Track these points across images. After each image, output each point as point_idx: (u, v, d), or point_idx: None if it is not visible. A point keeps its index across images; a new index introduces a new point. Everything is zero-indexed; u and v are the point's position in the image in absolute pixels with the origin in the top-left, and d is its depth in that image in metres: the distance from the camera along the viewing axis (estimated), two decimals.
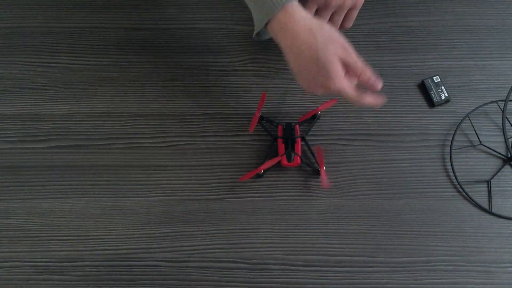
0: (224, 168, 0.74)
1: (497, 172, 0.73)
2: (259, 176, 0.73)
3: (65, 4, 0.83)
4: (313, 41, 0.59)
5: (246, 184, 0.73)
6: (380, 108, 0.75)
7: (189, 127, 0.76)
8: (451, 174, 0.73)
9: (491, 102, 0.76)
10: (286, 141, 0.72)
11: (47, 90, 0.78)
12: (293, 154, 0.71)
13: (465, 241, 0.70)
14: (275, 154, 0.73)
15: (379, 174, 0.73)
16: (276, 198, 0.72)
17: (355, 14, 0.70)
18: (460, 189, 0.72)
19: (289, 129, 0.73)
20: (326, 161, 0.73)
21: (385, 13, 0.81)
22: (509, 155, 0.73)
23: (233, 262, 0.70)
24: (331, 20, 0.69)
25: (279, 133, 0.73)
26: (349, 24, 0.71)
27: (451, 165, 0.73)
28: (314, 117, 0.75)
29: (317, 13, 0.68)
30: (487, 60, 0.78)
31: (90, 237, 0.71)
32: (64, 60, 0.80)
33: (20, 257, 0.71)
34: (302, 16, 0.60)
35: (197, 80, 0.78)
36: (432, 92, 0.75)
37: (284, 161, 0.71)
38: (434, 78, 0.76)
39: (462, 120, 0.75)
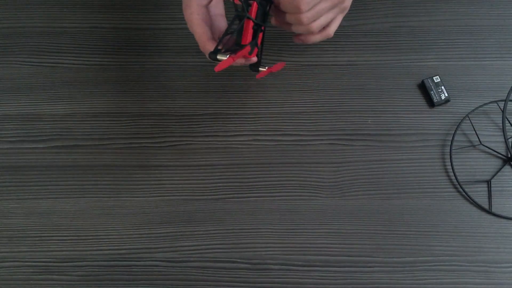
0: (224, 168, 0.74)
1: (497, 172, 0.73)
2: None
3: (65, 4, 0.83)
4: None
5: (246, 184, 0.73)
6: (380, 108, 0.76)
7: (189, 127, 0.76)
8: (451, 174, 0.73)
9: (491, 102, 0.76)
10: (257, 28, 0.58)
11: (47, 90, 0.78)
12: (256, 48, 0.58)
13: (465, 241, 0.70)
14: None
15: (379, 174, 0.73)
16: (276, 198, 0.72)
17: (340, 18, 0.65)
18: (460, 189, 0.72)
19: (263, 10, 0.58)
20: (325, 161, 0.73)
21: (385, 13, 0.81)
22: (509, 155, 0.73)
23: (233, 262, 0.70)
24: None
25: (252, 13, 0.58)
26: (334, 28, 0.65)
27: (451, 165, 0.73)
28: None
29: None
30: (487, 60, 0.78)
31: (90, 237, 0.71)
32: (64, 60, 0.80)
33: (20, 257, 0.71)
34: None
35: (197, 80, 0.78)
36: (432, 92, 0.75)
37: (245, 53, 0.57)
38: (434, 78, 0.76)
39: (462, 120, 0.75)
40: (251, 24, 0.58)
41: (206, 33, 0.59)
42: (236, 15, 0.58)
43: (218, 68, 0.56)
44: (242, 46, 0.58)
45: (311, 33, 0.62)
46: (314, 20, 0.60)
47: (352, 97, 0.76)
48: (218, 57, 0.57)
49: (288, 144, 0.74)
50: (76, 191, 0.73)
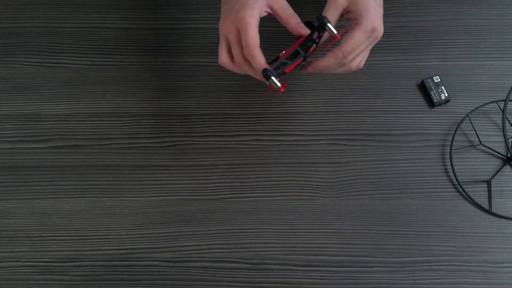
0: (224, 168, 0.74)
1: (497, 172, 0.73)
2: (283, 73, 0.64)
3: (65, 4, 0.83)
4: None
5: (246, 184, 0.73)
6: (380, 108, 0.76)
7: (189, 127, 0.76)
8: (451, 174, 0.73)
9: (491, 102, 0.76)
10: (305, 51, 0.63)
11: (47, 90, 0.78)
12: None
13: (465, 241, 0.70)
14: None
15: (379, 174, 0.73)
16: (276, 198, 0.72)
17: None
18: (460, 189, 0.72)
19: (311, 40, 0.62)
20: (325, 161, 0.73)
21: (385, 13, 0.80)
22: (509, 155, 0.73)
23: (233, 262, 0.70)
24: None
25: (309, 52, 0.64)
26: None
27: (451, 165, 0.73)
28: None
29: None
30: (487, 60, 0.78)
31: (90, 237, 0.71)
32: (64, 60, 0.80)
33: (20, 257, 0.71)
34: None
35: (197, 80, 0.78)
36: (432, 92, 0.75)
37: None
38: (434, 78, 0.76)
39: (462, 120, 0.75)
40: (301, 59, 0.63)
41: (258, 39, 0.60)
42: (296, 50, 0.63)
43: (268, 92, 0.65)
44: (284, 73, 0.63)
45: (350, 70, 0.63)
46: (354, 59, 0.62)
47: (352, 97, 0.76)
48: (273, 78, 0.61)
49: (288, 144, 0.74)
50: (76, 191, 0.73)
